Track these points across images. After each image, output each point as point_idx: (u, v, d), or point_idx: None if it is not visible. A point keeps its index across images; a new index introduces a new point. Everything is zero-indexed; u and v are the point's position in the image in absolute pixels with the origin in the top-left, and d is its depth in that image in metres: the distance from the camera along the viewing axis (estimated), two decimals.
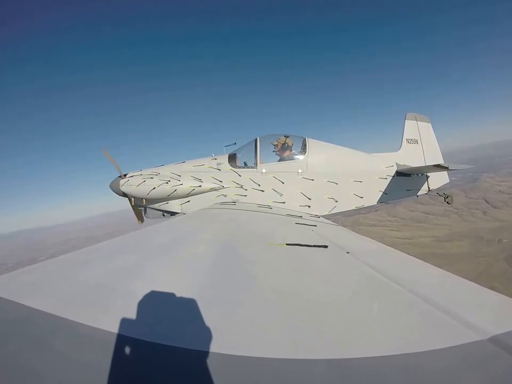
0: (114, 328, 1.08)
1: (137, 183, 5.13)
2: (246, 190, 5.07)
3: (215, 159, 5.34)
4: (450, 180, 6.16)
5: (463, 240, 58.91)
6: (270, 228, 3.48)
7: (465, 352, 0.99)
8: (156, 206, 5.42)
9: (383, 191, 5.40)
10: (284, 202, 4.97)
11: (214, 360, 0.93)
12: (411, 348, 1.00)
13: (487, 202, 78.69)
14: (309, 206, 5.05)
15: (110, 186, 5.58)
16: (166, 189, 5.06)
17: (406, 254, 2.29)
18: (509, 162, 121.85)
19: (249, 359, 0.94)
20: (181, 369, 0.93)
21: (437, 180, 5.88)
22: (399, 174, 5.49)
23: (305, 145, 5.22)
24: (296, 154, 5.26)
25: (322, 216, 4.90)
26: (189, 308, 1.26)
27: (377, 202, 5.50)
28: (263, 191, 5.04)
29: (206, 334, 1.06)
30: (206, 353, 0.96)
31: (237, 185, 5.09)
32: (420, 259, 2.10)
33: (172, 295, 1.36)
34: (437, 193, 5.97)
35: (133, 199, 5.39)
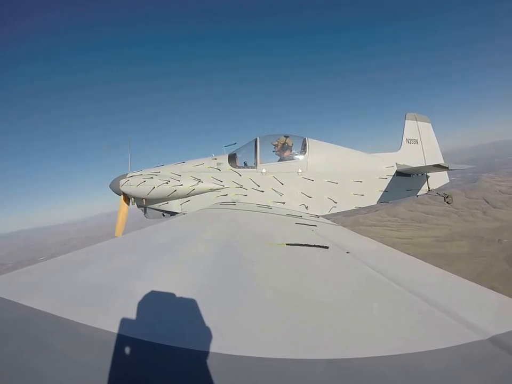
0: (114, 328, 1.08)
1: (137, 183, 5.14)
2: (246, 190, 5.07)
3: (215, 159, 5.34)
4: (450, 180, 6.16)
5: (463, 240, 58.92)
6: (270, 228, 3.48)
7: (465, 352, 0.99)
8: (156, 206, 5.42)
9: (383, 191, 5.40)
10: (284, 203, 4.97)
11: (214, 360, 0.92)
12: (411, 348, 1.00)
13: (487, 202, 78.70)
14: (309, 206, 5.05)
15: (110, 186, 5.58)
16: (166, 189, 5.06)
17: (406, 254, 2.29)
18: (509, 162, 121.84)
19: (249, 359, 0.94)
20: (181, 369, 0.93)
21: (437, 180, 5.88)
22: (399, 174, 5.49)
23: (305, 145, 5.23)
24: (296, 154, 5.26)
25: (322, 216, 4.90)
26: (189, 308, 1.26)
27: (377, 202, 5.50)
28: (263, 191, 5.04)
29: (206, 334, 1.06)
30: (206, 353, 0.96)
31: (237, 185, 5.09)
32: (420, 259, 2.10)
33: (172, 295, 1.36)
34: (437, 193, 5.97)
35: (132, 199, 5.40)
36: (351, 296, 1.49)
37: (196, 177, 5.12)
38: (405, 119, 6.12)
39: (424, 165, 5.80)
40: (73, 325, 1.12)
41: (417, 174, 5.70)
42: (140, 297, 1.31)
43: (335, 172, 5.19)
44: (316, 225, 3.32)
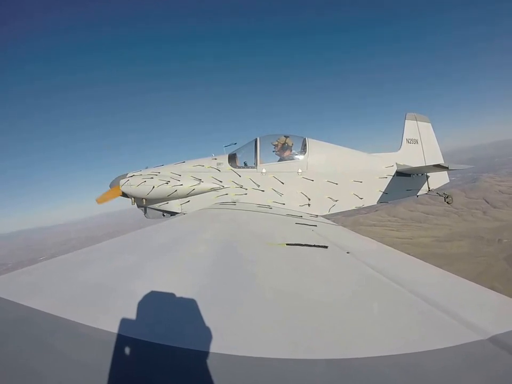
0: (114, 328, 1.08)
1: (137, 183, 5.13)
2: (246, 190, 5.06)
3: (215, 159, 5.33)
4: (450, 179, 6.16)
5: (463, 240, 58.92)
6: (270, 228, 3.48)
7: (465, 352, 0.99)
8: (156, 206, 5.42)
9: (383, 191, 5.39)
10: (284, 203, 4.97)
11: (214, 360, 0.92)
12: (411, 348, 1.00)
13: (487, 202, 78.70)
14: (309, 206, 5.05)
15: (110, 186, 5.58)
16: (166, 189, 5.05)
17: (406, 254, 2.29)
18: (509, 162, 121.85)
19: (249, 359, 0.94)
20: (181, 369, 0.93)
21: (437, 179, 5.88)
22: (399, 174, 5.49)
23: (305, 145, 5.22)
24: (296, 154, 5.25)
25: (322, 216, 4.90)
26: (189, 307, 1.26)
27: (377, 202, 5.50)
28: (263, 191, 5.04)
29: (206, 334, 1.06)
30: (206, 353, 0.96)
31: (237, 185, 5.09)
32: (420, 259, 2.10)
33: (172, 295, 1.36)
34: (437, 193, 5.96)
35: (132, 198, 5.39)
36: (351, 296, 1.49)
37: (196, 177, 5.12)
38: (405, 119, 6.12)
39: (424, 165, 5.80)
40: (73, 325, 1.12)
41: (417, 174, 5.70)
42: (139, 297, 1.31)
43: (335, 172, 5.19)
44: (316, 225, 3.32)
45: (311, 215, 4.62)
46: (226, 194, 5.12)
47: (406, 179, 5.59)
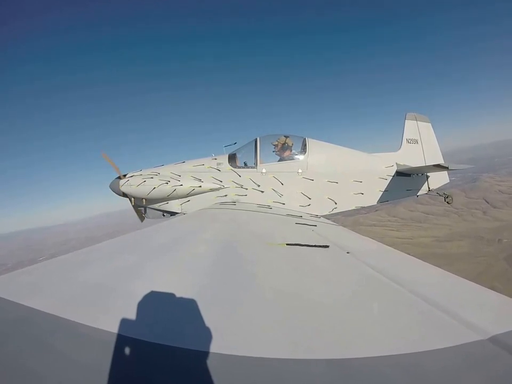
0: (114, 328, 1.08)
1: (137, 183, 5.13)
2: (246, 190, 5.06)
3: (215, 159, 5.33)
4: (450, 179, 6.16)
5: (463, 240, 58.91)
6: (270, 227, 3.48)
7: (465, 352, 0.99)
8: (156, 206, 5.42)
9: (383, 191, 5.40)
10: (284, 203, 4.97)
11: (214, 360, 0.92)
12: (411, 348, 1.00)
13: (487, 202, 78.70)
14: (309, 206, 5.05)
15: (110, 186, 5.58)
16: (166, 189, 5.05)
17: (406, 254, 2.29)
18: (509, 162, 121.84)
19: (249, 359, 0.94)
20: (181, 369, 0.93)
21: (437, 179, 5.88)
22: (399, 174, 5.49)
23: (305, 145, 5.22)
24: (296, 154, 5.25)
25: (322, 216, 4.90)
26: (189, 308, 1.26)
27: (377, 202, 5.50)
28: (263, 191, 5.04)
29: (206, 334, 1.06)
30: (206, 353, 0.96)
31: (237, 185, 5.09)
32: (420, 259, 2.10)
33: (172, 295, 1.36)
34: (437, 193, 5.96)
35: (133, 199, 5.39)
36: (351, 296, 1.49)
37: (196, 177, 5.12)
38: (405, 119, 6.12)
39: (424, 164, 5.80)
40: (73, 325, 1.12)
41: (417, 174, 5.70)
42: (139, 297, 1.31)
43: (335, 171, 5.19)
44: (316, 225, 3.32)
45: (311, 215, 4.62)
46: (226, 194, 5.12)
47: (406, 179, 5.59)
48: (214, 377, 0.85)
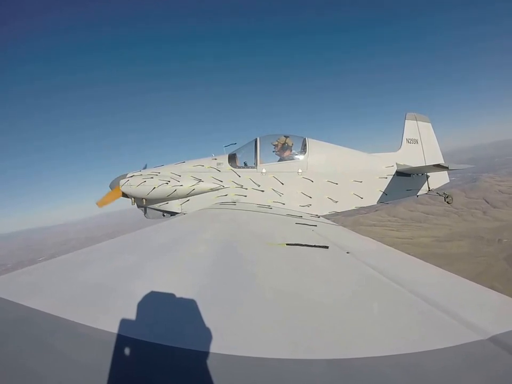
0: (114, 329, 1.07)
1: (137, 183, 5.13)
2: (246, 190, 5.06)
3: (215, 159, 5.33)
4: (450, 179, 6.16)
5: (463, 240, 58.91)
6: (270, 227, 3.48)
7: (465, 352, 0.99)
8: (156, 206, 5.42)
9: (383, 191, 5.39)
10: (284, 203, 4.97)
11: (214, 361, 0.92)
12: (411, 348, 1.00)
13: (487, 202, 78.68)
14: (309, 206, 5.05)
15: (110, 186, 5.58)
16: (166, 189, 5.05)
17: (406, 254, 2.29)
18: (509, 162, 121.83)
19: (249, 359, 0.94)
20: (181, 370, 0.93)
21: (437, 179, 5.88)
22: (399, 174, 5.49)
23: (305, 145, 5.22)
24: (296, 154, 5.26)
25: (322, 216, 4.90)
26: (189, 308, 1.26)
27: (377, 202, 5.49)
28: (263, 191, 5.04)
29: (206, 334, 1.05)
30: (206, 354, 0.96)
31: (237, 185, 5.09)
32: (420, 259, 2.10)
33: (172, 295, 1.36)
34: (437, 193, 5.96)
35: (133, 199, 5.40)
36: (351, 296, 1.49)
37: (196, 177, 5.12)
38: (405, 119, 6.12)
39: (424, 164, 5.80)
40: (73, 325, 1.12)
41: (417, 174, 5.70)
42: (139, 297, 1.31)
43: (335, 172, 5.19)
44: (316, 225, 3.32)
45: (311, 215, 4.62)
46: (226, 194, 5.12)
47: (406, 179, 5.59)
48: (214, 377, 0.85)
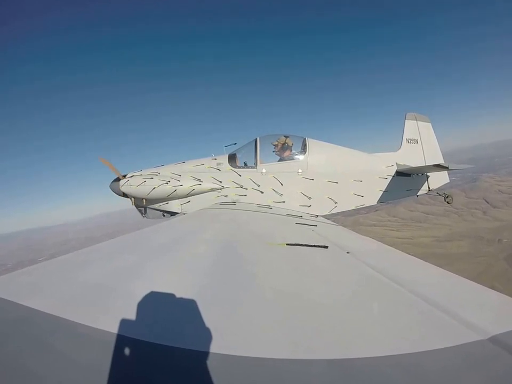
0: (114, 329, 1.07)
1: (137, 183, 5.13)
2: (246, 190, 5.07)
3: (215, 159, 5.33)
4: (450, 179, 6.16)
5: (463, 240, 58.90)
6: (270, 227, 3.48)
7: (465, 352, 0.99)
8: (156, 206, 5.42)
9: (383, 190, 5.40)
10: (284, 202, 4.97)
11: (214, 361, 0.92)
12: (411, 348, 1.00)
13: (487, 202, 78.68)
14: (309, 206, 5.05)
15: (110, 186, 5.58)
16: (166, 189, 5.06)
17: (406, 254, 2.29)
18: (509, 162, 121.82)
19: (249, 360, 0.94)
20: (181, 370, 0.93)
21: (437, 179, 5.88)
22: (399, 173, 5.49)
23: (305, 145, 5.22)
24: (296, 154, 5.25)
25: (322, 216, 4.90)
26: (188, 308, 1.26)
27: (377, 202, 5.50)
28: (263, 191, 5.04)
29: (206, 334, 1.05)
30: (206, 354, 0.96)
31: (237, 185, 5.09)
32: (420, 259, 2.10)
33: (172, 295, 1.36)
34: (437, 193, 5.97)
35: (133, 199, 5.40)
36: (351, 296, 1.49)
37: (196, 177, 5.12)
38: (405, 119, 6.12)
39: (424, 164, 5.80)
40: (73, 325, 1.11)
41: (417, 174, 5.70)
42: (139, 297, 1.31)
43: (335, 171, 5.19)
44: (316, 225, 3.32)
45: (311, 215, 4.63)
46: (226, 194, 5.12)
47: (406, 179, 5.59)
48: (214, 377, 0.85)
